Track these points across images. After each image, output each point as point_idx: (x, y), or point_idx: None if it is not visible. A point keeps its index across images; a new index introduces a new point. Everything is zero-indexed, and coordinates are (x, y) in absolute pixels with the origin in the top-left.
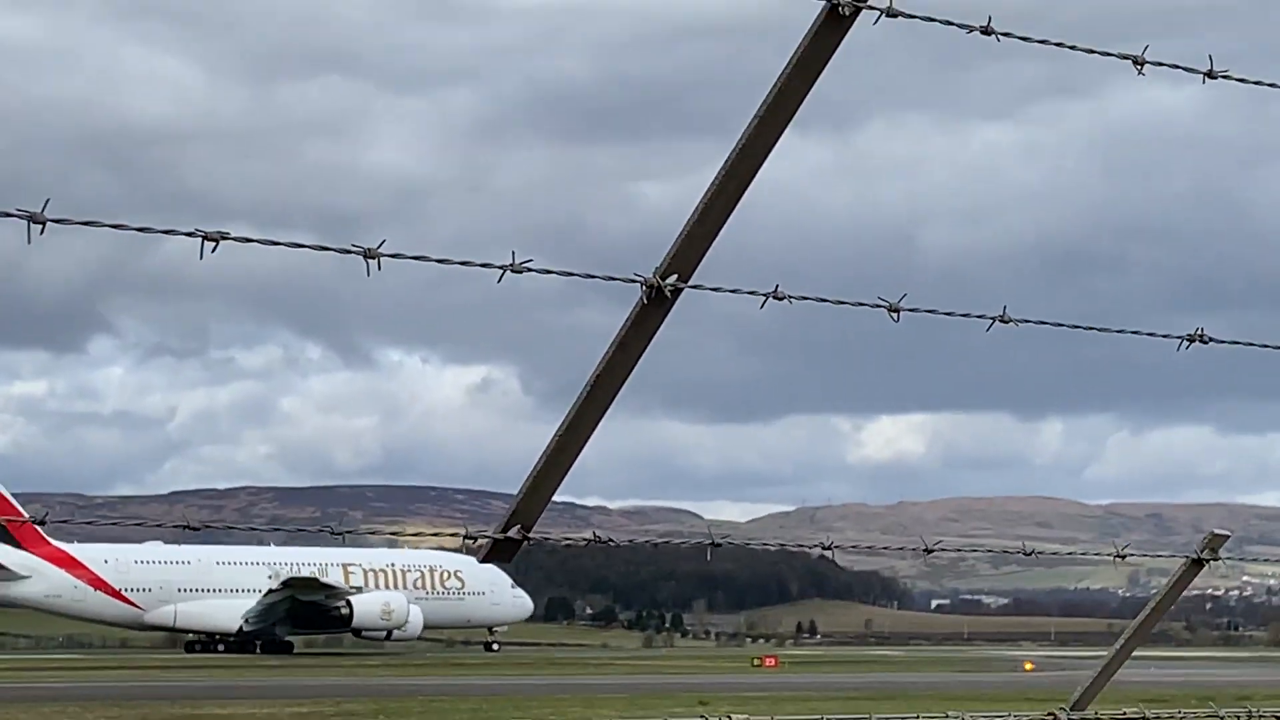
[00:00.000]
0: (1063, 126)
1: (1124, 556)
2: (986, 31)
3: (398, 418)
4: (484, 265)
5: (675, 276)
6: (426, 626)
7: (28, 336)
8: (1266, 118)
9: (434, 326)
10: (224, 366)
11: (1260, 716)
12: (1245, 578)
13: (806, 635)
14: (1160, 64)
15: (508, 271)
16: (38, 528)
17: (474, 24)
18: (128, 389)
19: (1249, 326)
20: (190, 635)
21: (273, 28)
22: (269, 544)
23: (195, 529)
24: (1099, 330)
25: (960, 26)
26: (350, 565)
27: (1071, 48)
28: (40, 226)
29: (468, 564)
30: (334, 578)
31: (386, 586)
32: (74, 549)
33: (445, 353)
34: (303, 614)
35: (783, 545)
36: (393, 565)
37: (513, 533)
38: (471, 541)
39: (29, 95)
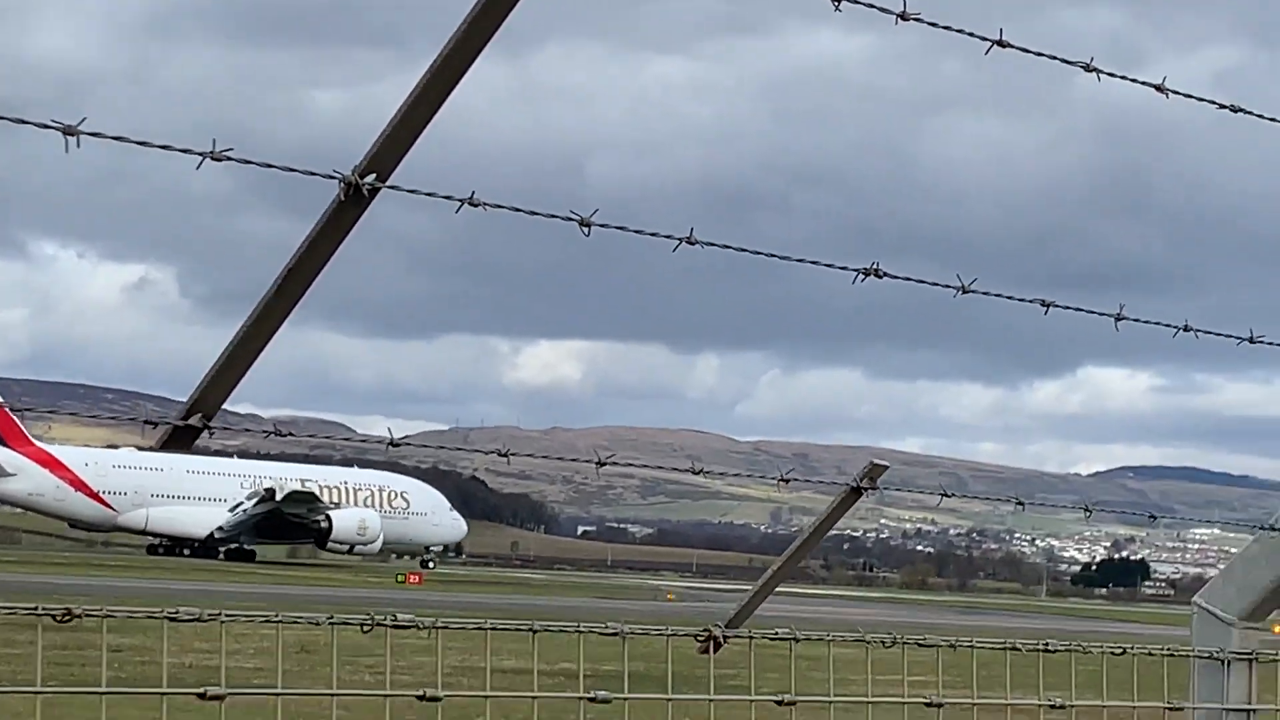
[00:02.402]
0: (736, 65)
1: (787, 480)
2: None
3: (48, 312)
4: (185, 150)
5: (374, 176)
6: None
7: None
8: (936, 71)
9: (92, 221)
10: None
11: (906, 643)
12: (883, 520)
13: (452, 554)
14: (857, 2)
15: (207, 159)
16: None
17: None
18: None
19: (912, 273)
20: (153, 540)
21: None
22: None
23: None
24: (780, 258)
25: None
26: (306, 480)
27: None
28: None
29: (413, 486)
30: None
31: (339, 503)
32: (56, 450)
33: (102, 249)
34: (278, 525)
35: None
36: (345, 483)
37: (194, 420)
38: (152, 426)
39: None
